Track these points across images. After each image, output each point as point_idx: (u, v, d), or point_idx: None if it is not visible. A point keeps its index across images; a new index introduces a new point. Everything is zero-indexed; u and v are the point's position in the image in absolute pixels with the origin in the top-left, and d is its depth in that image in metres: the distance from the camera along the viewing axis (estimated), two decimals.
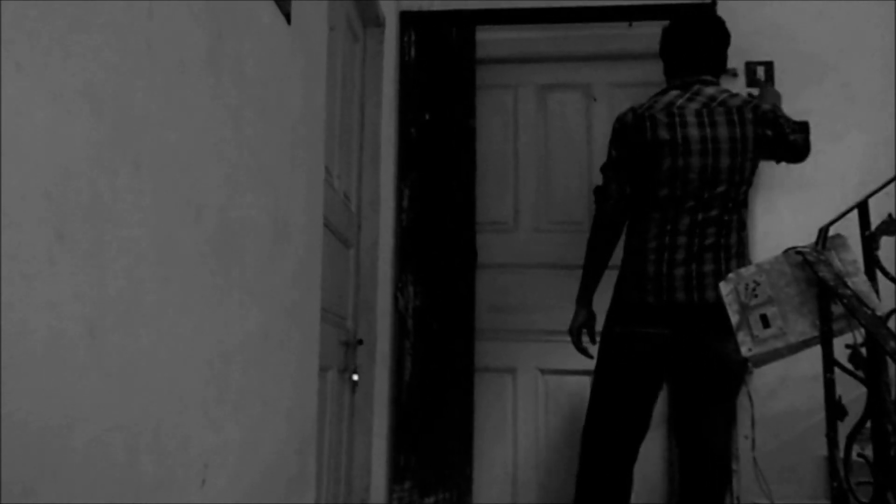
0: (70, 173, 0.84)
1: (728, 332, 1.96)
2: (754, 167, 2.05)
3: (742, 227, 2.04)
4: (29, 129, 0.77)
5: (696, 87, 2.05)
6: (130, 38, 0.96)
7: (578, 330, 2.17)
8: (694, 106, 2.01)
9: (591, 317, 2.17)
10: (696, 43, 2.13)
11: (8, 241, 0.74)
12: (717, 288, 1.95)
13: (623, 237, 2.15)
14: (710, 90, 2.05)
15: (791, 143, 2.07)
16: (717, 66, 2.15)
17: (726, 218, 1.99)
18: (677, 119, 2.00)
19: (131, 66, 0.96)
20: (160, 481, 1.04)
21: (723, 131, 1.99)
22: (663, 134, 2.00)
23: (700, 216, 1.97)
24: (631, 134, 2.07)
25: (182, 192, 1.10)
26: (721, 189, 1.97)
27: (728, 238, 1.99)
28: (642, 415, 2.04)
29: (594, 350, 2.19)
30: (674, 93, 2.07)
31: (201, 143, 1.17)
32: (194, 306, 1.14)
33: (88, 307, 0.88)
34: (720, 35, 2.15)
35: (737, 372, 2.01)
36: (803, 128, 2.10)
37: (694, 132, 1.99)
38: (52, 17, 0.81)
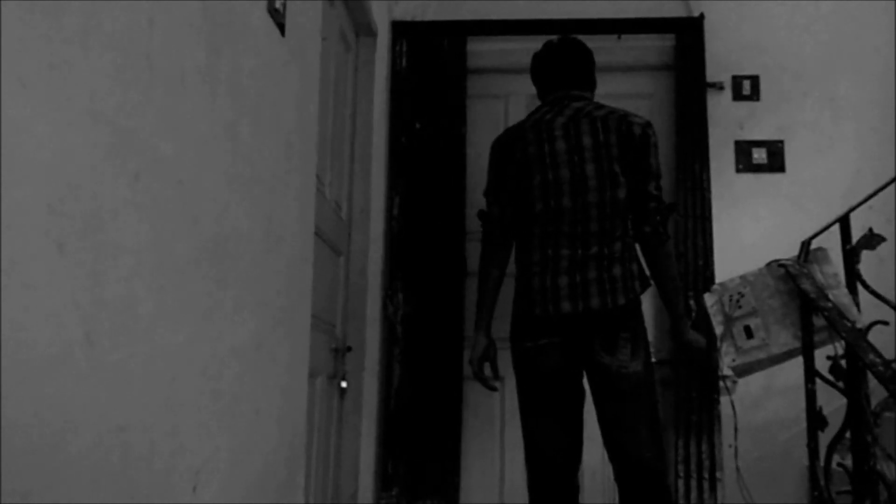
0: (71, 186, 0.86)
1: (614, 345, 1.92)
2: (627, 171, 2.00)
3: (626, 234, 2.01)
4: (32, 144, 0.79)
5: (564, 102, 2.09)
6: (131, 53, 0.98)
7: (479, 361, 2.16)
8: (561, 120, 2.05)
9: (491, 345, 2.17)
10: (562, 62, 2.19)
11: (10, 251, 0.76)
12: (600, 295, 1.92)
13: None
14: (577, 104, 2.08)
15: (645, 199, 2.01)
16: (586, 82, 2.18)
17: (607, 225, 1.97)
18: (545, 134, 2.04)
19: (131, 80, 0.99)
20: (153, 487, 1.06)
21: (587, 140, 2.00)
22: (532, 150, 2.04)
23: (579, 227, 1.97)
24: (504, 154, 2.11)
25: (179, 203, 1.12)
26: (593, 197, 1.97)
27: (611, 246, 1.97)
28: (570, 425, 2.01)
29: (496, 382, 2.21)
30: (544, 109, 2.12)
31: (198, 155, 1.19)
32: (189, 315, 1.16)
33: (87, 316, 0.89)
34: (584, 55, 2.20)
35: (636, 382, 1.94)
36: (664, 209, 2.05)
37: (561, 145, 2.02)
38: (55, 32, 0.83)
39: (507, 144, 2.12)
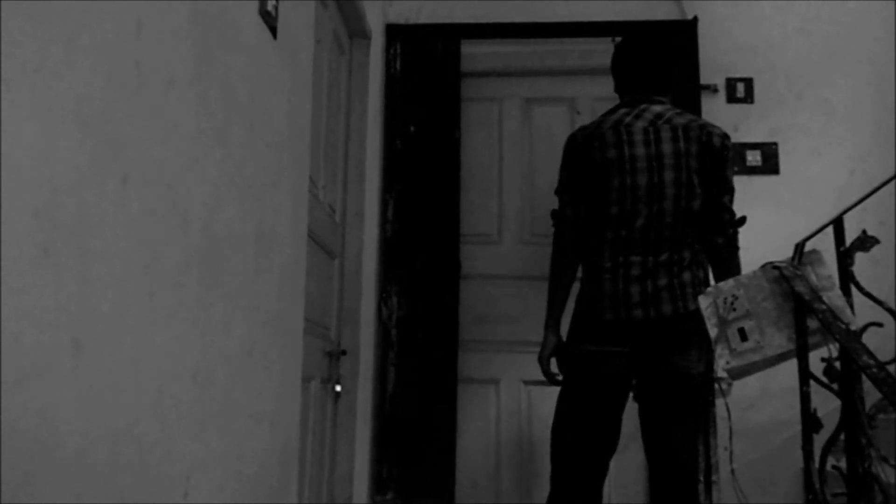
0: (58, 189, 0.85)
1: (686, 346, 1.97)
2: (703, 181, 2.04)
3: (695, 242, 2.04)
4: (18, 147, 0.79)
5: (643, 106, 2.09)
6: (119, 56, 0.98)
7: (548, 359, 2.19)
8: (641, 124, 2.04)
9: (560, 344, 2.19)
10: (645, 62, 2.17)
11: None
12: (672, 302, 1.96)
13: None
14: (657, 108, 2.08)
15: (720, 210, 2.06)
16: (665, 84, 2.18)
17: (679, 233, 2.00)
18: (625, 137, 2.03)
19: (119, 84, 0.98)
20: (143, 493, 1.05)
21: (667, 147, 2.01)
22: (611, 153, 2.03)
23: (652, 233, 1.99)
24: (581, 154, 2.10)
25: (168, 207, 1.12)
26: (669, 205, 1.99)
27: (681, 252, 2.00)
28: (609, 432, 2.04)
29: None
30: (622, 111, 2.10)
31: (188, 158, 1.18)
32: (179, 319, 1.15)
33: (74, 320, 0.89)
34: (667, 54, 2.19)
35: (699, 384, 2.01)
36: (736, 221, 2.11)
37: (640, 150, 2.02)
38: (41, 35, 0.83)
39: (584, 144, 2.11)
